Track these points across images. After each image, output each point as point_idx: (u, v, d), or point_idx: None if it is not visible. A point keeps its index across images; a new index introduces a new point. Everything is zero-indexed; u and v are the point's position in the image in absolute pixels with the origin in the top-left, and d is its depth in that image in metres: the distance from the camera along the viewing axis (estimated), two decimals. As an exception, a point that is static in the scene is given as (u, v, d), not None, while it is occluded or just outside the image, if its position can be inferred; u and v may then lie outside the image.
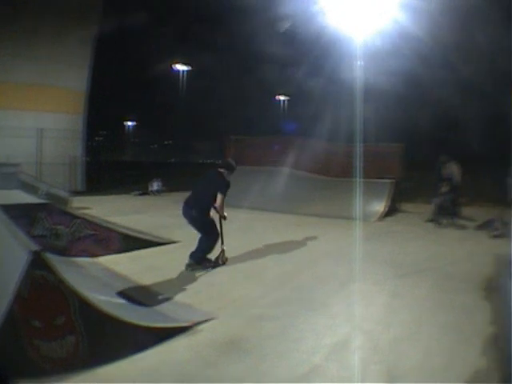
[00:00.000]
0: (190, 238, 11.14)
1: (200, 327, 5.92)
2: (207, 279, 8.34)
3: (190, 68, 45.15)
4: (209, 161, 46.94)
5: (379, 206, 17.46)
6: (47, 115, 25.08)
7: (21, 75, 24.23)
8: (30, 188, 15.22)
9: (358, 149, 19.72)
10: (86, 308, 5.05)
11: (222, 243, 9.59)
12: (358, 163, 18.58)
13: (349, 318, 6.47)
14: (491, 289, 7.87)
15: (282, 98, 59.13)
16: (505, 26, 21.14)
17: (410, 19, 21.18)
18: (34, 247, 5.04)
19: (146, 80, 43.16)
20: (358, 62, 23.40)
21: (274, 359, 5.15)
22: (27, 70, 24.46)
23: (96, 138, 48.98)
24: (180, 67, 44.85)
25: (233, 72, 42.94)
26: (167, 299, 7.09)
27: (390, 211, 17.60)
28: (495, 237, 12.96)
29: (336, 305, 7.05)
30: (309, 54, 29.45)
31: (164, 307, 6.65)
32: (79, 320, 4.98)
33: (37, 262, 4.87)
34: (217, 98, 47.45)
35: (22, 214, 9.39)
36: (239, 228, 13.81)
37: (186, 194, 21.62)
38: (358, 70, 23.59)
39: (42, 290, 4.92)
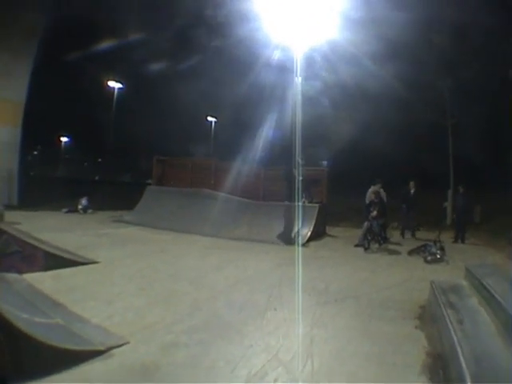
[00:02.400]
0: (111, 258, 11.21)
1: (113, 351, 5.86)
2: (124, 303, 8.19)
3: (122, 86, 44.72)
4: (136, 180, 46.57)
5: (305, 230, 17.34)
6: None
7: None
8: None
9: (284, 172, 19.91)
10: (5, 325, 4.98)
11: None
12: (284, 187, 18.69)
13: (265, 348, 6.31)
14: (420, 317, 7.83)
15: (211, 119, 58.76)
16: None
17: (345, 33, 21.43)
18: None
19: (81, 95, 42.61)
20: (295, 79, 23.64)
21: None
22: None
23: (33, 152, 48.12)
24: (113, 84, 44.34)
25: (164, 91, 42.67)
26: (84, 321, 6.96)
27: (317, 235, 17.65)
28: (429, 262, 13.05)
29: (252, 333, 6.90)
30: (240, 75, 29.50)
31: (80, 329, 6.50)
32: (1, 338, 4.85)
33: None
34: (148, 117, 47.12)
35: None
36: (155, 250, 13.93)
37: (112, 213, 21.63)
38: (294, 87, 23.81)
39: None
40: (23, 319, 5.77)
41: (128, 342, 6.22)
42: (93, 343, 6.02)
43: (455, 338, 5.31)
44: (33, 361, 5.10)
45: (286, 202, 17.85)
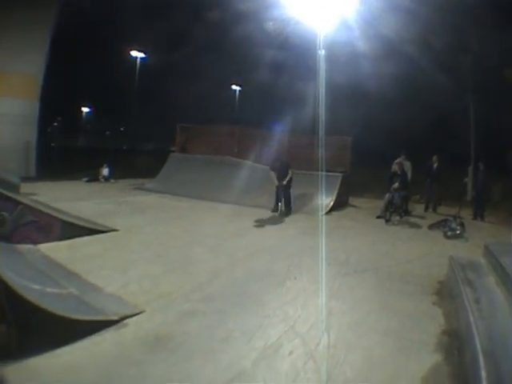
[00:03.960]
0: (130, 226, 11.01)
1: (127, 321, 5.74)
2: (140, 271, 8.07)
3: (145, 55, 44.58)
4: (159, 148, 46.40)
5: (328, 200, 17.08)
6: (2, 100, 24.21)
7: None
8: None
9: (309, 140, 19.66)
10: (15, 297, 4.88)
11: None
12: (310, 154, 18.74)
13: (282, 318, 6.16)
14: (438, 293, 7.61)
15: (236, 87, 58.74)
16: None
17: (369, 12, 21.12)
18: None
19: (102, 66, 42.41)
20: (318, 55, 23.28)
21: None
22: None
23: (53, 124, 48.09)
24: (136, 54, 44.22)
25: (188, 60, 42.38)
26: (98, 290, 6.86)
27: (340, 205, 17.37)
28: (449, 237, 12.78)
29: (270, 303, 6.74)
30: (267, 44, 29.17)
31: (93, 298, 6.38)
32: (8, 309, 4.80)
33: None
34: (172, 87, 46.91)
35: None
36: (175, 217, 13.86)
37: (134, 181, 21.47)
38: (313, 61, 23.40)
39: None
40: (34, 290, 5.70)
41: (143, 312, 6.10)
42: (106, 313, 5.90)
43: (471, 318, 5.17)
44: (42, 332, 4.97)
45: (309, 171, 17.63)
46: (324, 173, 17.30)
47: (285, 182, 15.70)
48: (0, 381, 3.99)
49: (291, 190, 16.09)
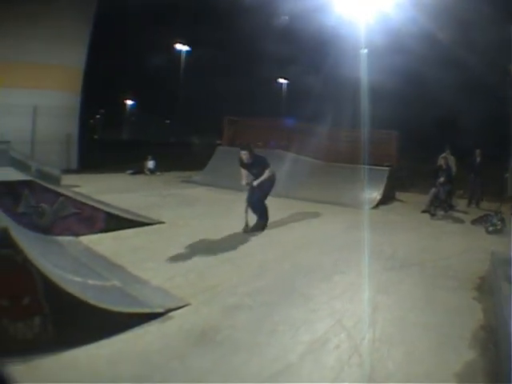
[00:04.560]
0: (176, 218, 11.00)
1: (172, 314, 5.76)
2: (187, 264, 8.12)
3: (190, 48, 44.86)
4: (205, 141, 46.66)
5: (375, 194, 17.11)
6: (42, 93, 24.69)
7: (14, 54, 23.95)
8: (21, 166, 15.01)
9: (356, 134, 19.63)
10: (53, 289, 4.90)
11: None
12: (356, 148, 18.59)
13: (329, 313, 6.17)
14: (478, 288, 7.57)
15: (282, 81, 58.95)
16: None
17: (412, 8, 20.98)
18: (1, 224, 5.00)
19: (147, 59, 42.82)
20: (361, 50, 23.22)
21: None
22: (23, 48, 24.10)
23: (95, 116, 48.68)
24: (181, 47, 44.55)
25: (234, 54, 42.56)
26: (142, 282, 6.93)
27: (386, 199, 17.30)
28: (490, 233, 12.65)
29: (317, 297, 6.76)
30: (312, 38, 29.16)
31: (138, 291, 6.45)
32: (45, 301, 4.82)
33: (2, 240, 4.76)
34: (217, 80, 47.16)
35: (6, 191, 9.34)
36: (223, 210, 14.05)
37: (180, 174, 21.57)
38: (359, 58, 23.43)
39: (9, 268, 4.80)
40: (75, 282, 5.75)
41: (188, 304, 6.11)
42: (151, 305, 5.93)
43: (508, 314, 5.10)
44: (83, 325, 5.01)
45: (357, 165, 17.63)
46: (371, 167, 17.51)
47: (255, 183, 11.76)
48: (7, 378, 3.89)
49: (263, 195, 12.05)
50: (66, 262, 7.20)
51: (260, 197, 11.88)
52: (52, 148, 23.87)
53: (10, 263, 4.77)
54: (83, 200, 10.64)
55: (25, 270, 4.81)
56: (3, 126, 21.64)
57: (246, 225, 11.32)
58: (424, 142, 28.24)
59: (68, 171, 19.55)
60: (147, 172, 24.52)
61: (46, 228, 9.45)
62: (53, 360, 4.54)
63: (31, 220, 9.31)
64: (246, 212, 11.48)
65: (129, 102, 63.99)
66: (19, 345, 4.68)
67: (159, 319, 5.60)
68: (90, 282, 6.36)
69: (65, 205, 9.98)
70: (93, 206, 10.48)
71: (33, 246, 5.58)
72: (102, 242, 9.15)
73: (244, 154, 11.82)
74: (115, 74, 42.40)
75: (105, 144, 34.53)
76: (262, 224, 11.81)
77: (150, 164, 25.03)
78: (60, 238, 9.25)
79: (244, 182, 11.92)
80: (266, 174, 11.79)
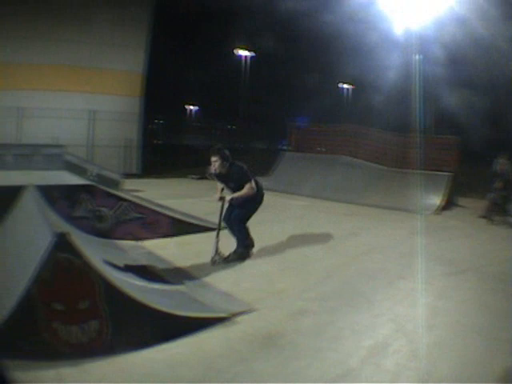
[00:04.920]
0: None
1: (237, 319, 5.77)
2: (253, 269, 8.21)
3: (253, 54, 45.09)
4: (270, 146, 46.76)
5: (436, 199, 17.04)
6: (102, 97, 25.28)
7: (74, 58, 24.58)
8: (77, 169, 15.34)
9: (416, 140, 19.46)
10: (114, 293, 4.97)
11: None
12: (417, 154, 18.41)
13: (391, 318, 6.25)
14: None
15: (345, 86, 58.85)
16: None
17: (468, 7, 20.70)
18: (61, 229, 5.00)
19: (209, 65, 43.20)
20: (417, 56, 23.08)
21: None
22: (81, 53, 24.78)
23: (156, 121, 49.29)
24: (244, 53, 44.80)
25: (297, 59, 42.64)
26: (207, 287, 7.00)
27: (446, 205, 17.12)
28: None
29: (380, 302, 6.84)
30: (371, 44, 29.02)
31: (203, 295, 6.50)
32: (105, 305, 4.91)
33: (62, 245, 4.79)
34: (280, 85, 47.33)
35: (62, 196, 9.46)
36: (291, 216, 13.80)
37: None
38: (418, 62, 23.28)
39: (67, 273, 4.84)
40: (137, 286, 5.88)
41: (253, 309, 6.13)
42: (215, 310, 5.97)
43: None
44: (144, 328, 5.09)
45: (418, 171, 17.54)
46: (431, 172, 17.66)
47: (228, 198, 9.30)
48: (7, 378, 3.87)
49: (242, 215, 9.49)
50: (127, 267, 7.26)
51: (239, 215, 9.45)
52: (113, 152, 24.47)
53: (70, 268, 4.83)
54: (146, 204, 10.81)
55: (84, 274, 4.87)
56: (63, 131, 22.54)
57: (217, 252, 8.72)
58: (486, 146, 27.80)
59: (130, 176, 19.88)
60: (210, 177, 24.35)
61: (105, 232, 9.66)
62: (107, 364, 4.62)
63: (90, 224, 9.53)
64: (217, 236, 8.93)
65: (192, 108, 64.64)
66: (72, 348, 4.75)
67: (224, 323, 5.60)
68: (153, 286, 6.47)
69: (126, 209, 10.13)
70: (156, 211, 10.63)
71: (93, 250, 5.72)
72: (165, 247, 9.31)
73: (214, 162, 9.43)
74: (178, 79, 42.82)
75: (167, 149, 34.86)
76: (239, 253, 9.14)
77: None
78: (121, 242, 9.46)
79: (217, 197, 9.45)
80: (246, 190, 9.18)
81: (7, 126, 23.15)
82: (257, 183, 9.59)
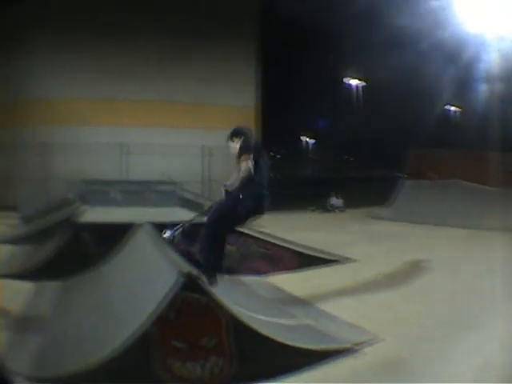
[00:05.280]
0: (365, 255, 11.07)
1: (361, 348, 5.82)
2: (376, 299, 8.25)
3: (364, 83, 45.07)
4: (387, 174, 46.46)
5: None
6: (216, 133, 25.37)
7: (185, 94, 25.80)
8: (193, 205, 15.64)
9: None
10: (240, 328, 5.19)
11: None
12: None
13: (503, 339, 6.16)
14: None
15: (452, 108, 57.20)
16: None
17: None
18: (186, 268, 5.47)
19: (320, 96, 43.43)
20: None
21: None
22: (193, 90, 25.94)
23: (272, 154, 49.82)
24: (354, 82, 44.82)
25: (407, 86, 42.29)
26: (331, 318, 7.11)
27: None
28: None
29: (495, 327, 6.68)
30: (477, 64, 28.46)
31: (327, 327, 6.61)
32: (230, 341, 5.13)
33: (189, 285, 5.14)
34: (393, 113, 47.10)
35: (183, 233, 9.52)
36: (414, 246, 13.70)
37: (365, 210, 21.53)
38: None
39: (192, 311, 5.18)
40: (263, 321, 5.99)
41: (377, 338, 6.15)
42: (339, 341, 6.03)
43: None
44: (271, 362, 5.19)
45: None
46: None
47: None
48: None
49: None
50: (252, 302, 7.49)
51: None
52: None
53: (196, 306, 5.15)
54: (270, 239, 11.05)
55: (211, 312, 5.13)
56: (175, 167, 23.28)
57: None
58: None
59: None
60: (331, 209, 24.73)
61: (230, 268, 9.58)
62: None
63: None
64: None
65: (307, 139, 64.91)
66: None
67: (348, 354, 5.66)
68: (279, 320, 6.59)
69: (251, 245, 10.47)
70: (280, 245, 10.85)
71: (219, 288, 5.91)
72: (290, 281, 9.42)
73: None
74: (292, 110, 43.27)
75: (284, 182, 35.18)
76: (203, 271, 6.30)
77: (334, 200, 25.19)
78: (245, 278, 9.64)
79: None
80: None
81: (116, 161, 24.45)
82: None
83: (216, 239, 7.04)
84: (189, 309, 5.19)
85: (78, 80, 25.51)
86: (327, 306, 7.64)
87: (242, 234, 10.41)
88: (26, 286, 9.31)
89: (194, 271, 5.52)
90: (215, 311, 5.18)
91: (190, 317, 5.20)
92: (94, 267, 9.56)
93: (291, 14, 28.55)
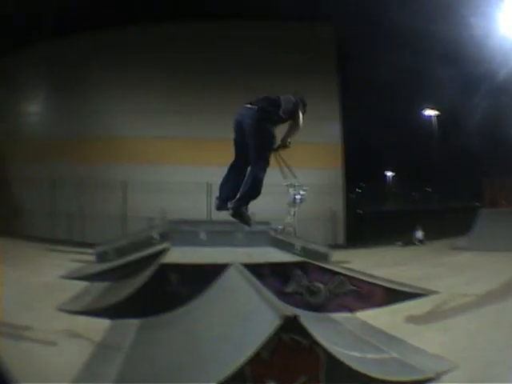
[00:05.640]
0: (450, 287, 11.52)
1: (443, 377, 6.24)
2: (462, 330, 8.48)
3: (439, 114, 44.89)
4: (467, 204, 45.82)
5: None
6: (304, 171, 25.78)
7: None
8: (284, 244, 15.92)
9: None
10: (335, 366, 5.50)
11: None
12: None
13: None
14: None
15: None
16: None
17: None
18: (286, 311, 5.57)
19: (399, 128, 43.43)
20: None
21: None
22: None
23: (356, 190, 49.60)
24: (430, 113, 44.72)
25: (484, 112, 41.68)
26: (416, 350, 7.48)
27: None
28: None
29: None
30: None
31: (413, 359, 6.99)
32: (324, 378, 5.48)
33: (289, 326, 5.44)
34: (469, 141, 46.53)
35: (273, 272, 10.26)
36: (497, 274, 13.55)
37: (447, 241, 21.45)
38: None
39: (290, 352, 5.48)
40: (353, 357, 6.38)
41: (458, 367, 6.49)
42: (424, 372, 6.40)
43: None
44: None
45: None
46: None
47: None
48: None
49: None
50: (342, 339, 7.88)
51: None
52: (316, 224, 24.83)
53: (295, 347, 5.46)
54: (359, 276, 11.40)
55: (310, 352, 5.48)
56: (260, 205, 23.20)
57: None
58: None
59: (335, 247, 20.36)
60: (416, 243, 24.85)
61: (318, 306, 10.26)
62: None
63: (302, 299, 10.29)
64: None
65: (387, 174, 64.43)
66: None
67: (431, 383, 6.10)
68: (369, 355, 7.04)
69: (342, 282, 10.83)
70: (370, 282, 11.17)
71: (315, 327, 6.19)
72: (378, 316, 9.81)
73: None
74: (372, 145, 43.36)
75: (369, 217, 35.15)
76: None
77: (418, 234, 25.31)
78: (334, 315, 10.00)
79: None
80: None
81: (199, 201, 23.97)
82: None
83: None
84: (284, 348, 5.46)
85: (162, 119, 26.40)
86: (413, 339, 7.98)
87: (334, 272, 11.04)
88: (103, 324, 9.60)
89: (293, 313, 5.69)
90: (315, 352, 5.51)
91: (289, 358, 5.47)
92: (177, 307, 9.75)
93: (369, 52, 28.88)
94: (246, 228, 16.52)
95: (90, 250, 17.51)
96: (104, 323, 9.64)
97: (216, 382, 5.28)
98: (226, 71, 26.12)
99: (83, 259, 17.37)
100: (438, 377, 6.25)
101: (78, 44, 26.56)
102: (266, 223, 17.46)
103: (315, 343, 5.55)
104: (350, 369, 5.59)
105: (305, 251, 15.63)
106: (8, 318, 9.00)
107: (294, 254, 14.30)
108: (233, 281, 9.09)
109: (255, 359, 5.35)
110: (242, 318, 7.05)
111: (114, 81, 26.68)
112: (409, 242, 24.85)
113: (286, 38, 26.53)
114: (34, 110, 28.26)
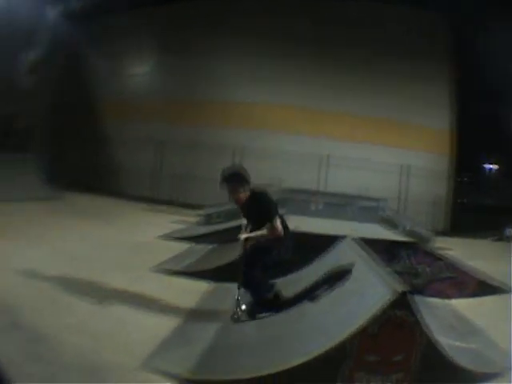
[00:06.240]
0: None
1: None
2: None
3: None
4: None
5: None
6: (410, 153, 26.73)
7: (383, 111, 26.89)
8: (388, 223, 16.39)
9: None
10: (428, 348, 5.77)
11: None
12: None
13: None
14: None
15: None
16: None
17: None
18: (399, 287, 5.78)
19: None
20: None
21: None
22: (391, 107, 27.10)
23: (462, 179, 48.92)
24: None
25: None
26: (493, 344, 8.03)
27: None
28: None
29: None
30: None
31: (490, 352, 7.57)
32: (417, 358, 5.71)
33: (399, 303, 5.58)
34: None
35: (381, 250, 10.34)
36: None
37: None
38: None
39: (396, 329, 5.67)
40: (445, 343, 6.59)
41: None
42: (498, 366, 6.91)
43: None
44: (442, 381, 5.90)
45: None
46: None
47: (242, 237, 8.05)
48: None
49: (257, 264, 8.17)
50: (437, 323, 8.06)
51: (258, 265, 8.07)
52: (419, 208, 25.70)
53: (401, 324, 5.70)
54: (457, 265, 11.89)
55: (411, 331, 5.75)
56: (371, 183, 24.46)
57: (237, 307, 7.87)
58: None
59: (437, 233, 20.27)
60: (506, 239, 24.96)
61: (418, 289, 10.66)
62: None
63: (406, 280, 10.51)
64: (239, 288, 8.01)
65: (491, 166, 62.79)
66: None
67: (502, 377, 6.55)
68: (455, 343, 7.48)
69: (442, 268, 11.43)
70: (466, 272, 11.61)
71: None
72: (469, 307, 10.26)
73: (229, 187, 7.86)
74: (479, 137, 42.73)
75: (471, 208, 34.77)
76: (262, 300, 8.05)
77: (508, 231, 25.59)
78: (429, 300, 10.39)
79: (240, 237, 8.05)
80: (264, 231, 7.73)
81: (313, 173, 25.80)
82: (283, 221, 7.94)
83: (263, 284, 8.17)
84: (396, 327, 5.65)
85: (284, 86, 27.21)
86: (494, 332, 8.55)
87: (437, 257, 11.73)
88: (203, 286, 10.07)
89: (404, 289, 5.77)
90: (417, 331, 5.74)
91: (394, 334, 5.68)
92: (286, 275, 9.88)
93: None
94: (358, 203, 17.23)
95: (191, 212, 19.02)
96: (204, 286, 10.19)
97: (316, 350, 5.56)
98: (343, 49, 26.95)
99: (185, 220, 18.60)
100: (506, 371, 6.67)
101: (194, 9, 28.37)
102: (378, 200, 18.45)
103: (417, 323, 5.67)
104: (441, 353, 5.85)
105: (410, 233, 15.58)
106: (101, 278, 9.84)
107: (398, 233, 14.58)
108: (346, 253, 9.13)
109: (363, 333, 5.54)
110: (352, 290, 7.19)
111: (232, 47, 27.82)
112: (500, 237, 25.30)
113: (401, 22, 27.12)
114: (146, 70, 29.71)
